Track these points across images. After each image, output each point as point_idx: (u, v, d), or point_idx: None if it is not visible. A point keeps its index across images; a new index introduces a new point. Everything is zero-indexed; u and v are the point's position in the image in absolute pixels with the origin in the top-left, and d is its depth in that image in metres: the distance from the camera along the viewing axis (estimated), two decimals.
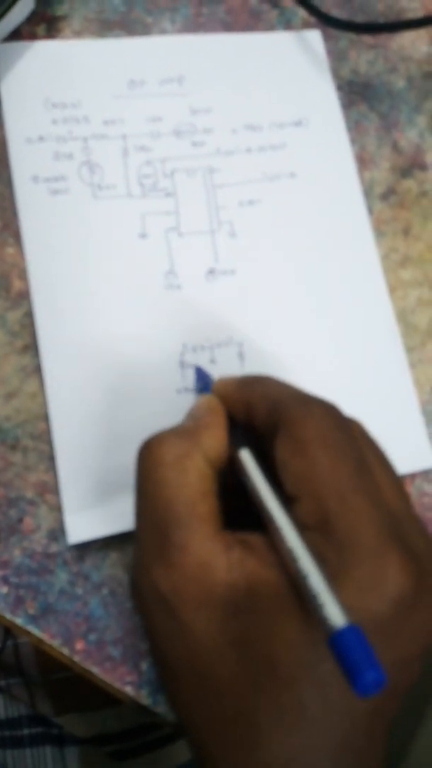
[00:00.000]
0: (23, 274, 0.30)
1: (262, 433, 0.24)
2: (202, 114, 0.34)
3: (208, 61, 0.34)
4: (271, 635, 0.20)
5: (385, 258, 0.34)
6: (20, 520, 0.27)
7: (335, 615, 0.18)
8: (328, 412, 0.23)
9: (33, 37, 0.33)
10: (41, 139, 0.31)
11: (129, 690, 0.26)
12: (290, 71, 0.35)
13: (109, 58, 0.33)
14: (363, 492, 0.21)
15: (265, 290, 0.32)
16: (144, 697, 0.26)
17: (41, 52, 0.33)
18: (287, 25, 0.36)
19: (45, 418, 0.29)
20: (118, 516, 0.27)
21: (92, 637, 0.27)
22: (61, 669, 0.47)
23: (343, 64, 0.36)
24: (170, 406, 0.29)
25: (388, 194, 0.35)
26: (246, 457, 0.23)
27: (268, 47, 0.35)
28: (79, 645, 0.27)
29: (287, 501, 0.21)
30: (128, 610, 0.27)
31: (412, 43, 0.38)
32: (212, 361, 0.30)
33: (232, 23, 0.36)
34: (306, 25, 0.36)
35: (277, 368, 0.31)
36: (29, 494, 0.28)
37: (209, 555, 0.21)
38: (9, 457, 0.28)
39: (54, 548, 0.27)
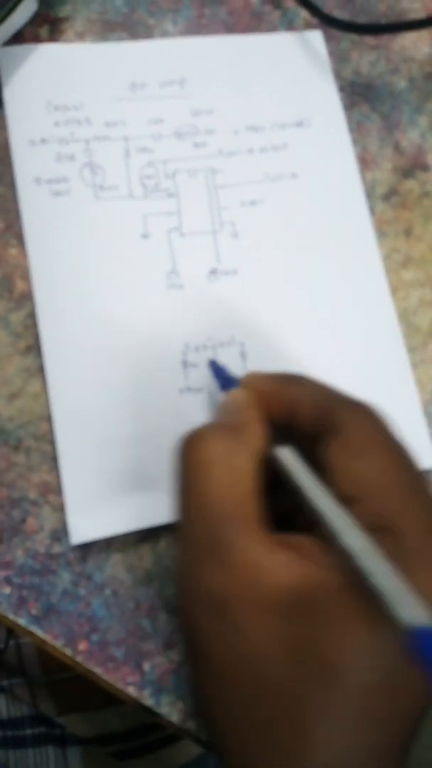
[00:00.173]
0: (26, 275, 0.30)
1: (304, 432, 0.23)
2: (204, 115, 0.34)
3: (210, 63, 0.34)
4: (331, 640, 0.19)
5: (386, 258, 0.34)
6: (23, 521, 0.28)
7: (415, 612, 0.17)
8: (376, 413, 0.23)
9: (36, 38, 0.33)
10: (43, 141, 0.32)
11: (132, 690, 0.27)
12: (292, 72, 0.35)
13: (111, 60, 0.33)
14: (421, 493, 0.21)
15: (267, 290, 0.32)
16: (146, 698, 0.27)
17: (44, 54, 0.33)
18: (289, 26, 0.36)
19: (48, 418, 0.29)
20: (120, 517, 0.27)
21: (95, 637, 0.27)
22: (64, 669, 0.47)
23: (345, 65, 0.36)
24: (173, 405, 0.29)
25: (390, 195, 0.35)
26: (290, 455, 0.23)
27: (269, 48, 0.35)
28: (82, 645, 0.27)
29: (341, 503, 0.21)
30: (130, 610, 0.27)
31: (414, 44, 0.38)
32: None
33: (234, 24, 0.36)
34: (308, 26, 0.36)
35: (278, 368, 0.30)
36: (32, 495, 0.28)
37: (261, 556, 0.20)
38: (12, 458, 0.28)
39: (57, 549, 0.27)
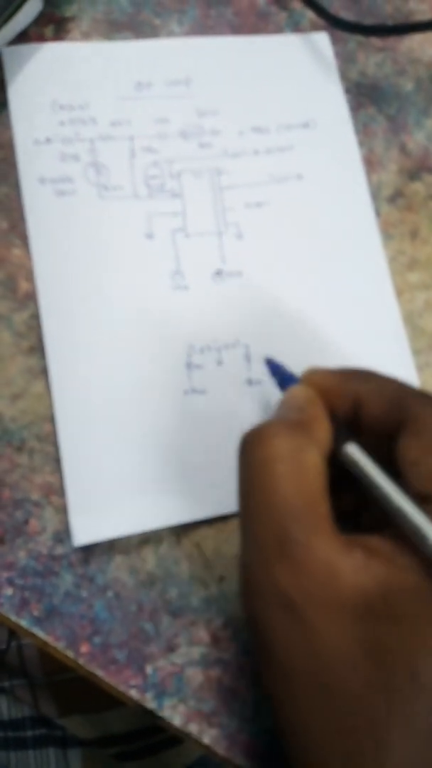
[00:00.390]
0: (30, 276, 0.30)
1: (372, 428, 0.23)
2: (209, 116, 0.34)
3: (216, 63, 0.34)
4: (415, 644, 0.19)
5: (392, 261, 0.34)
6: (26, 522, 0.27)
7: None
8: None
9: (41, 38, 0.33)
10: (48, 140, 0.31)
11: (134, 693, 0.26)
12: (298, 73, 0.35)
13: (116, 60, 0.33)
14: None
15: (272, 292, 0.32)
16: (149, 701, 0.26)
17: (49, 54, 0.33)
18: (295, 27, 0.36)
19: (51, 419, 0.28)
20: (123, 518, 0.27)
21: (97, 639, 0.27)
22: (65, 671, 0.47)
23: (351, 67, 0.36)
24: (177, 407, 0.29)
25: (396, 197, 0.35)
26: (359, 452, 0.22)
27: (275, 49, 0.35)
28: (84, 647, 0.27)
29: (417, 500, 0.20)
30: (133, 613, 0.27)
31: (421, 45, 0.38)
32: (219, 362, 0.30)
33: (240, 25, 0.36)
34: (314, 28, 0.36)
35: None
36: (35, 496, 0.28)
37: (336, 558, 0.20)
38: (15, 459, 0.28)
39: (59, 550, 0.27)
